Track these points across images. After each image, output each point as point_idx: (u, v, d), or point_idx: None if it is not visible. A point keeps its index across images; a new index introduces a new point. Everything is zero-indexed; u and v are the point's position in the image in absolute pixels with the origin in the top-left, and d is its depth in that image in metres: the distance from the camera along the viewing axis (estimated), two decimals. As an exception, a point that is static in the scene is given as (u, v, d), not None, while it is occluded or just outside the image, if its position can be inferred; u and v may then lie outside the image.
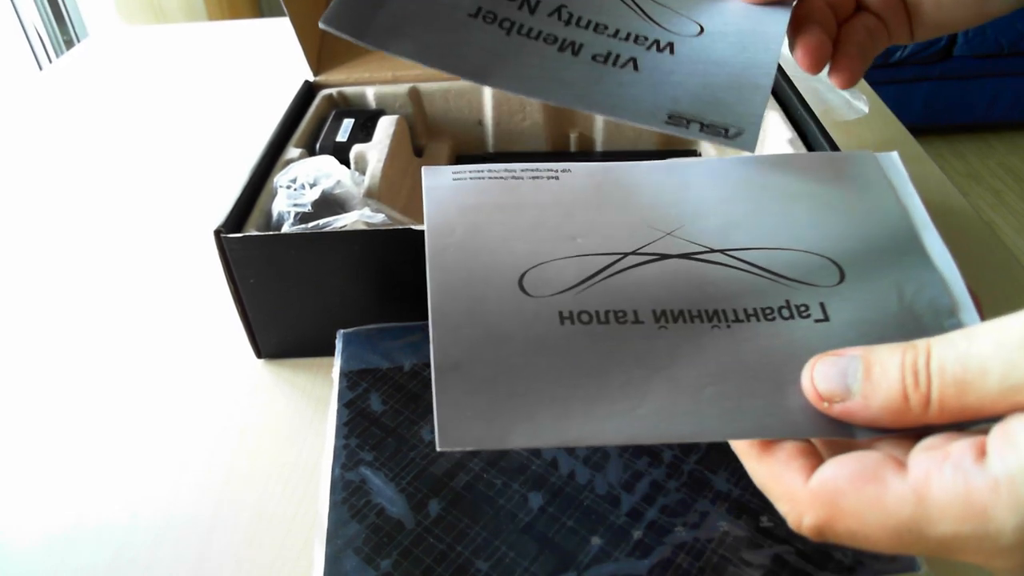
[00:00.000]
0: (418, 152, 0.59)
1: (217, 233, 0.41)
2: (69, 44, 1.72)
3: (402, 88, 0.59)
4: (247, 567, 0.35)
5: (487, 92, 0.59)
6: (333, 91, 0.59)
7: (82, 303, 0.53)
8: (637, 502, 0.32)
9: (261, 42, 0.96)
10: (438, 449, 0.22)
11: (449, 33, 0.28)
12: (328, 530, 0.32)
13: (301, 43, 0.58)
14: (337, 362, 0.40)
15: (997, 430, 0.18)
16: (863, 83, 0.74)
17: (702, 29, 0.29)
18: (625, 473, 0.34)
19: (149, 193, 0.66)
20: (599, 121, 0.59)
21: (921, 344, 0.20)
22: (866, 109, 0.61)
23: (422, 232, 0.40)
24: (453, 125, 0.60)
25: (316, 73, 0.60)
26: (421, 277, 0.43)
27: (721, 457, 0.34)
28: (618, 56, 0.28)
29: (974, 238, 0.52)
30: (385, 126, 0.54)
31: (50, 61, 1.69)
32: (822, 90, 0.62)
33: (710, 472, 0.33)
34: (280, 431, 0.42)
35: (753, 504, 0.32)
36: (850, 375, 0.21)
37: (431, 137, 0.61)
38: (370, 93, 0.59)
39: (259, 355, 0.46)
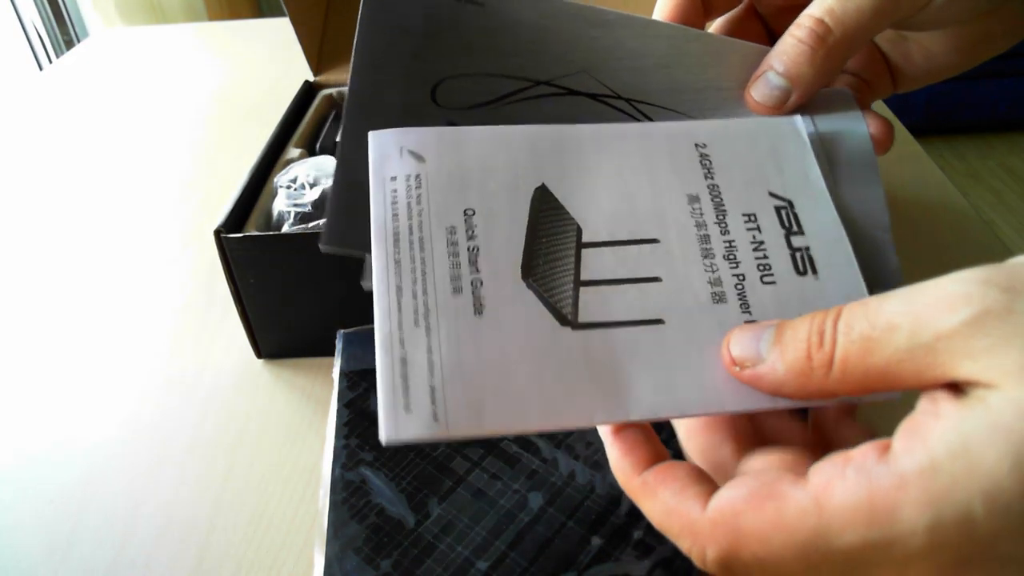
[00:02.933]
0: (418, 152, 0.59)
1: (217, 233, 0.41)
2: (69, 44, 1.72)
3: (402, 88, 0.58)
4: (247, 567, 0.35)
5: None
6: (333, 91, 0.59)
7: (83, 304, 0.53)
8: (637, 502, 0.32)
9: (261, 42, 0.96)
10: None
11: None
12: (328, 530, 0.32)
13: (301, 43, 0.58)
14: (337, 362, 0.40)
15: (903, 425, 0.17)
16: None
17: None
18: (625, 473, 0.34)
19: (149, 193, 0.66)
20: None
21: (834, 308, 0.19)
22: (866, 109, 0.61)
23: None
24: (453, 125, 0.60)
25: (316, 73, 0.60)
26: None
27: (721, 457, 0.34)
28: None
29: (974, 238, 0.52)
30: (385, 126, 0.54)
31: (50, 61, 1.69)
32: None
33: (710, 472, 0.33)
34: (280, 431, 0.42)
35: (753, 504, 0.32)
36: (763, 340, 0.20)
37: (431, 137, 0.61)
38: (370, 93, 0.59)
39: (259, 355, 0.46)
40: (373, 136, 0.25)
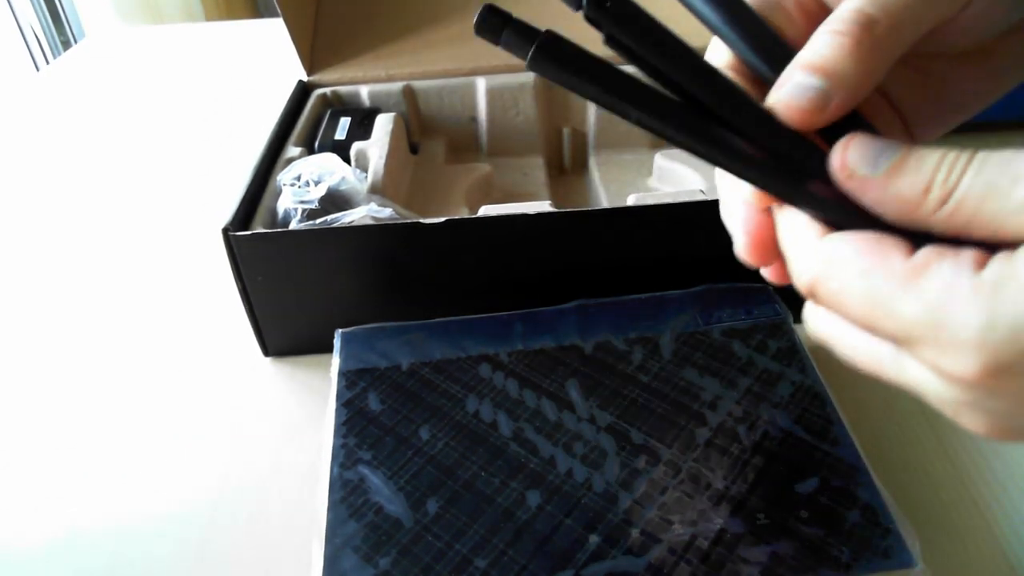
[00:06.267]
0: (413, 149, 0.59)
1: (225, 231, 0.41)
2: (66, 45, 1.72)
3: (396, 86, 0.59)
4: (246, 565, 0.35)
5: (480, 89, 0.59)
6: (327, 90, 0.59)
7: (87, 305, 0.53)
8: (635, 500, 0.32)
9: (258, 42, 0.96)
10: None
11: None
12: (327, 529, 0.32)
13: (295, 43, 0.58)
14: (336, 361, 0.40)
15: (1006, 250, 0.17)
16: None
17: None
18: (623, 471, 0.34)
19: (149, 193, 0.66)
20: (591, 116, 0.60)
21: (968, 150, 0.18)
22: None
23: (430, 226, 0.41)
24: (447, 122, 0.61)
25: (310, 73, 0.60)
26: (429, 271, 0.44)
27: (718, 455, 0.34)
28: None
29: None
30: (383, 123, 0.54)
31: (47, 62, 1.69)
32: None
33: (707, 470, 0.33)
34: (284, 429, 0.42)
35: (750, 502, 0.32)
36: (885, 154, 0.20)
37: (425, 135, 0.61)
38: (364, 92, 0.59)
39: (266, 353, 0.47)
40: None
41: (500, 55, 0.59)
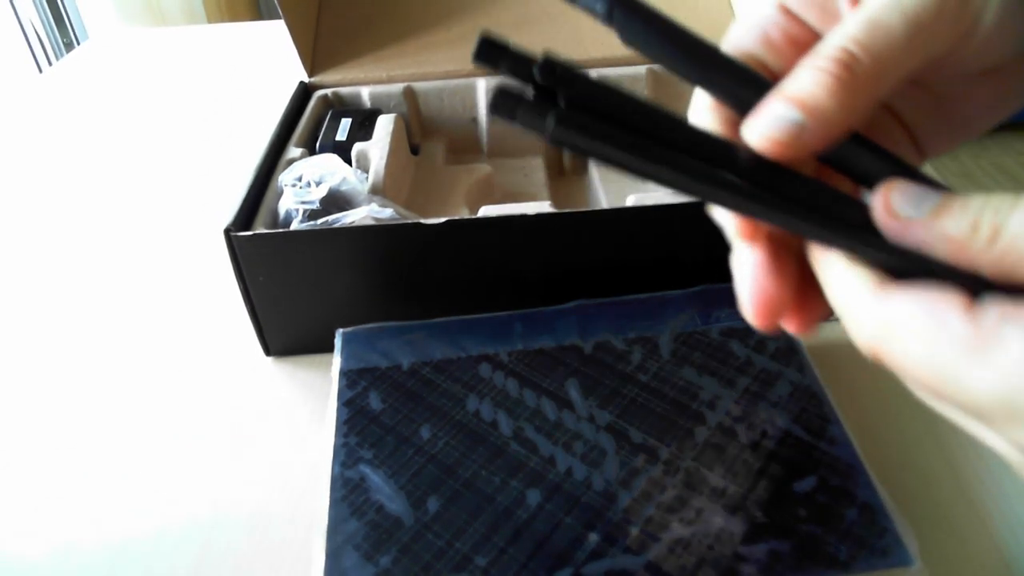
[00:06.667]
0: (414, 150, 0.60)
1: (227, 232, 0.41)
2: (69, 46, 1.72)
3: (397, 88, 0.59)
4: (248, 563, 0.35)
5: (481, 89, 0.59)
6: (328, 92, 0.59)
7: (90, 306, 0.53)
8: (634, 499, 0.33)
9: (260, 44, 0.96)
10: None
11: None
12: (328, 527, 0.32)
13: (296, 44, 0.58)
14: (336, 361, 0.40)
15: None
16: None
17: None
18: (622, 470, 0.34)
19: (152, 194, 0.66)
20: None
21: (1010, 193, 0.18)
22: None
23: (431, 227, 0.41)
24: (447, 123, 0.61)
25: (311, 74, 0.60)
26: (429, 271, 0.44)
27: (717, 454, 0.34)
28: None
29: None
30: (384, 124, 0.54)
31: (50, 63, 1.69)
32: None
33: (706, 469, 0.34)
34: (285, 428, 0.42)
35: (748, 500, 0.32)
36: (928, 199, 0.19)
37: (426, 136, 0.61)
38: (365, 93, 0.59)
39: (268, 352, 0.47)
40: None
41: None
